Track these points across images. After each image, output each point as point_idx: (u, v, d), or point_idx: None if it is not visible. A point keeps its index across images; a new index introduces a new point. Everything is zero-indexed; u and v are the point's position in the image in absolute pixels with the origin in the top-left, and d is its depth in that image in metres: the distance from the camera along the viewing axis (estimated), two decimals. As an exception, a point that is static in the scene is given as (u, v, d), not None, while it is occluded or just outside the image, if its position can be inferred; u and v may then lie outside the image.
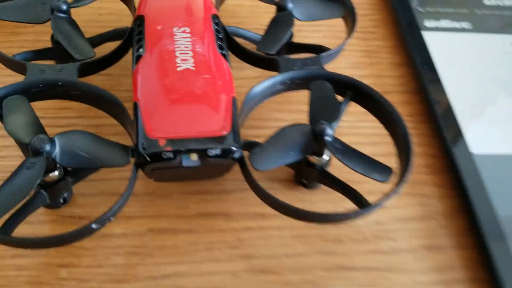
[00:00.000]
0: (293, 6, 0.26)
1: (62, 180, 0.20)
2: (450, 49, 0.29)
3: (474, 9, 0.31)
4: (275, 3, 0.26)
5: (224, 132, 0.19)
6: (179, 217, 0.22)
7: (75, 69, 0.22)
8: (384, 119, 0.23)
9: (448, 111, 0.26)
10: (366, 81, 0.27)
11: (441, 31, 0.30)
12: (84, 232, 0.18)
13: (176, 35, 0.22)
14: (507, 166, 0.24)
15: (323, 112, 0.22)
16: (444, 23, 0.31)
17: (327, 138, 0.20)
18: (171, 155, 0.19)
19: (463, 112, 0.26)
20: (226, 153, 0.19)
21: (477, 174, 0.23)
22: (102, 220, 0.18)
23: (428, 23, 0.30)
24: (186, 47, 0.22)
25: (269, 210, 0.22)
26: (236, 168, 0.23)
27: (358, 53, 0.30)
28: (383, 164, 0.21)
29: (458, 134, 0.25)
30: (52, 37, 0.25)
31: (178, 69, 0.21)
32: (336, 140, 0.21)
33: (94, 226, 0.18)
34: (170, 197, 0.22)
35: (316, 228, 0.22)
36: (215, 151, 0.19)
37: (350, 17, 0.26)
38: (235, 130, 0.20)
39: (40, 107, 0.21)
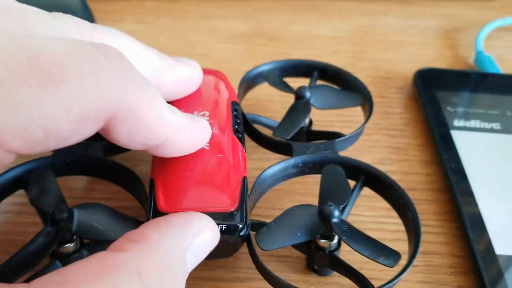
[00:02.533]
0: (310, 94, 0.27)
1: (77, 253, 0.21)
2: (478, 148, 0.29)
3: (504, 110, 0.32)
4: (293, 92, 0.27)
5: (231, 209, 0.20)
6: (191, 301, 0.22)
7: (101, 147, 0.24)
8: (395, 204, 0.23)
9: (475, 211, 0.26)
10: (394, 177, 0.28)
11: (470, 130, 0.30)
12: None
13: None
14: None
15: (333, 194, 0.22)
16: (474, 123, 0.31)
17: (334, 220, 0.21)
18: None
19: (489, 213, 0.25)
20: (232, 229, 0.20)
21: (501, 275, 0.23)
22: None
23: (457, 123, 0.31)
24: None
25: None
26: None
27: (387, 149, 0.30)
28: (391, 248, 0.21)
29: (483, 234, 0.24)
30: None
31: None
32: (344, 222, 0.21)
33: None
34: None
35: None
36: (221, 226, 0.20)
37: (367, 105, 0.27)
38: (242, 208, 0.20)
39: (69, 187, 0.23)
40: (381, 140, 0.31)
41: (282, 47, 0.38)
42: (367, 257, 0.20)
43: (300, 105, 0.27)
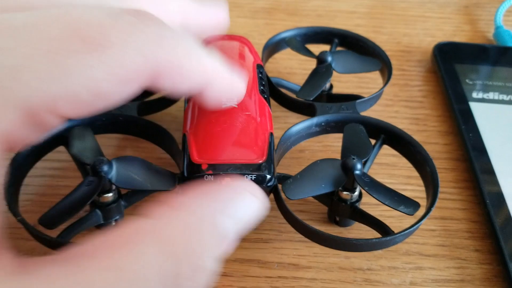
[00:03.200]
0: (332, 59, 0.28)
1: (115, 202, 0.22)
2: (496, 119, 0.29)
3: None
4: (316, 57, 0.28)
5: (260, 161, 0.21)
6: (217, 260, 0.23)
7: (135, 107, 0.24)
8: (414, 160, 0.24)
9: (492, 179, 0.26)
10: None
11: (489, 102, 0.31)
12: None
13: None
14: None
15: (355, 149, 0.23)
16: (492, 95, 0.31)
17: (357, 172, 0.22)
18: (212, 178, 0.20)
19: (506, 181, 0.26)
20: (261, 180, 0.21)
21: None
22: None
23: (476, 95, 0.31)
24: None
25: (303, 261, 0.23)
26: (274, 219, 0.24)
27: (406, 120, 0.31)
28: (411, 198, 0.22)
29: (500, 201, 0.25)
30: None
31: (223, 106, 0.23)
32: (365, 174, 0.22)
33: None
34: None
35: (350, 282, 0.23)
36: (250, 176, 0.21)
37: (386, 70, 0.28)
38: (270, 161, 0.21)
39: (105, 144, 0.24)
40: (401, 112, 0.31)
41: (301, 21, 0.38)
42: (389, 206, 0.21)
43: (322, 69, 0.27)
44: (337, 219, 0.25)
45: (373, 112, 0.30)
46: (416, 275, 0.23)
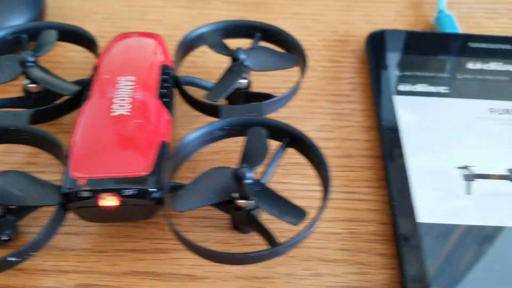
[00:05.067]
0: (246, 56, 0.27)
1: (3, 217, 0.22)
2: (419, 114, 0.29)
3: (455, 73, 0.31)
4: (229, 54, 0.27)
5: (144, 173, 0.20)
6: (110, 274, 0.22)
7: (28, 115, 0.24)
8: (314, 163, 0.23)
9: (403, 178, 0.25)
10: (330, 144, 0.28)
11: (415, 95, 0.30)
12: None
13: (119, 83, 0.24)
14: (452, 235, 0.23)
15: (254, 155, 0.22)
16: (420, 87, 0.30)
17: (247, 181, 0.21)
18: (88, 194, 0.20)
19: (419, 180, 0.25)
20: (143, 193, 0.20)
21: (419, 243, 0.23)
22: (19, 253, 0.19)
23: (402, 87, 0.30)
24: (127, 94, 0.24)
25: (199, 271, 0.23)
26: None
27: (329, 116, 0.30)
28: (299, 207, 0.21)
29: (408, 202, 0.24)
30: (24, 89, 0.27)
31: (112, 114, 0.22)
32: (258, 183, 0.21)
33: (10, 259, 0.19)
34: (105, 253, 0.23)
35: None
36: (131, 191, 0.20)
37: (302, 67, 0.27)
38: (157, 172, 0.21)
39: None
40: (326, 107, 0.30)
41: (239, 10, 0.37)
42: (274, 216, 0.21)
43: (235, 67, 0.27)
44: (239, 226, 0.24)
45: (296, 109, 0.30)
46: (313, 283, 0.23)
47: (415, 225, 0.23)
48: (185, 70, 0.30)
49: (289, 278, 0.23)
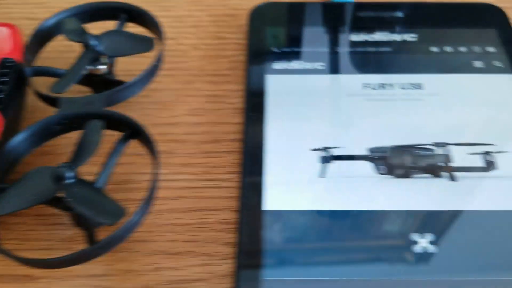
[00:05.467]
0: (97, 42, 0.26)
1: None
2: (289, 95, 0.28)
3: (335, 47, 0.30)
4: (80, 41, 0.26)
5: None
6: None
7: None
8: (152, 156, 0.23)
9: (258, 163, 0.25)
10: (199, 130, 0.27)
11: (289, 73, 0.29)
12: None
13: None
14: (297, 222, 0.23)
15: (84, 152, 0.22)
16: (296, 64, 0.29)
17: (67, 181, 0.20)
18: None
19: (274, 165, 0.25)
20: None
21: (260, 232, 0.22)
22: None
23: (277, 65, 0.29)
24: None
25: (36, 272, 0.22)
26: (19, 226, 0.23)
27: (204, 98, 0.29)
28: (118, 205, 0.20)
29: (257, 188, 0.24)
30: None
31: None
32: (80, 181, 0.21)
33: None
34: None
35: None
36: None
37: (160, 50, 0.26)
38: None
39: None
40: (202, 88, 0.30)
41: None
42: (90, 217, 0.20)
43: (87, 54, 0.26)
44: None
45: (170, 92, 0.29)
46: (152, 278, 0.22)
47: (260, 212, 0.23)
48: (49, 60, 0.29)
49: (129, 274, 0.22)
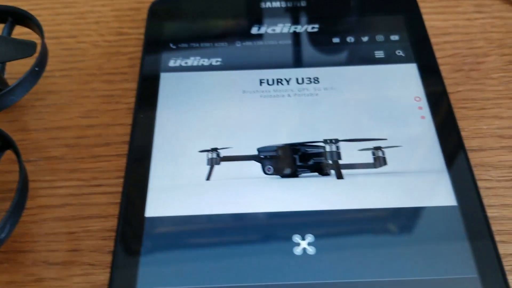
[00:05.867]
0: None
1: None
2: (183, 94, 0.27)
3: (234, 41, 0.29)
4: None
5: None
6: None
7: None
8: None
9: (143, 168, 0.24)
10: (91, 133, 0.26)
11: (185, 70, 0.28)
12: None
13: None
14: (179, 229, 0.23)
15: None
16: (192, 61, 0.29)
17: None
18: None
19: (159, 169, 0.24)
20: None
21: (139, 241, 0.22)
22: None
23: (173, 62, 0.28)
24: None
25: None
26: None
27: (99, 98, 0.28)
28: None
29: (140, 194, 0.23)
30: None
31: None
32: None
33: None
34: None
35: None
36: None
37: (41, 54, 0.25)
38: None
39: None
40: (98, 89, 0.29)
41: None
42: None
43: None
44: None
45: (65, 93, 0.29)
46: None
47: (141, 220, 0.23)
48: None
49: (11, 286, 0.22)
